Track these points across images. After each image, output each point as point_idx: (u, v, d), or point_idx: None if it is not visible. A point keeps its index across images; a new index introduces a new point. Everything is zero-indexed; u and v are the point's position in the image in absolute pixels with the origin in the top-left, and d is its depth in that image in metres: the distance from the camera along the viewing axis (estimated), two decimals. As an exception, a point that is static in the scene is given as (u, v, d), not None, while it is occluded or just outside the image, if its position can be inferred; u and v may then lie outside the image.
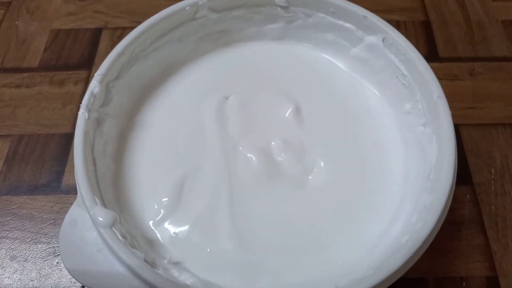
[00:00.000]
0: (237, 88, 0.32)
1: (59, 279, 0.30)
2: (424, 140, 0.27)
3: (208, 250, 0.26)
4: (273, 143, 0.30)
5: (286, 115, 0.31)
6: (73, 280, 0.30)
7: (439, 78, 0.38)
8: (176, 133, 0.30)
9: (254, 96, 0.32)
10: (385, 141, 0.29)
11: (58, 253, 0.31)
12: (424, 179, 0.26)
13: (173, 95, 0.32)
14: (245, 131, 0.30)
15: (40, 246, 0.31)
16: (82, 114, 0.27)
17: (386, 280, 0.21)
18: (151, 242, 0.26)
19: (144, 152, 0.29)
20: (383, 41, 0.30)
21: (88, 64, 0.40)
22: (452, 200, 0.32)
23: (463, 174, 0.33)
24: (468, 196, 0.32)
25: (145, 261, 0.22)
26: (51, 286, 0.30)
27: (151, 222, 0.27)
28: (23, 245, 0.31)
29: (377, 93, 0.32)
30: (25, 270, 0.30)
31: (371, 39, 0.31)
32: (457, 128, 0.35)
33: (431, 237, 0.23)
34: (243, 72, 0.33)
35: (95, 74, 0.28)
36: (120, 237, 0.23)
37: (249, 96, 0.32)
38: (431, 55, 0.40)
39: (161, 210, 0.27)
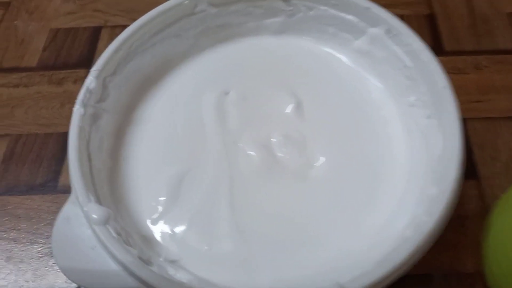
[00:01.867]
0: (237, 83, 0.31)
1: (54, 279, 0.29)
2: (429, 132, 0.26)
3: (206, 247, 0.25)
4: (273, 139, 0.29)
5: (287, 110, 0.30)
6: (69, 280, 0.29)
7: (444, 72, 0.38)
8: (174, 128, 0.29)
9: (255, 91, 0.31)
10: (388, 133, 0.29)
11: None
12: (429, 172, 0.25)
13: (171, 90, 0.31)
14: (245, 126, 0.30)
15: (36, 246, 0.31)
16: (77, 109, 0.26)
17: (389, 275, 0.20)
18: (147, 240, 0.25)
19: (142, 148, 0.29)
20: (386, 32, 0.29)
21: (87, 62, 0.39)
22: (458, 194, 0.31)
23: (468, 168, 0.32)
24: (473, 190, 0.31)
25: (140, 258, 0.22)
26: (46, 287, 0.29)
27: (148, 219, 0.26)
28: (19, 246, 0.31)
29: (380, 85, 0.31)
30: (20, 271, 0.30)
31: (374, 31, 0.30)
32: (462, 121, 0.35)
33: (438, 231, 0.22)
34: (243, 67, 0.32)
35: (91, 70, 0.28)
36: (114, 234, 0.22)
37: (249, 91, 0.31)
38: (435, 49, 0.38)
39: (159, 207, 0.26)
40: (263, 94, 0.31)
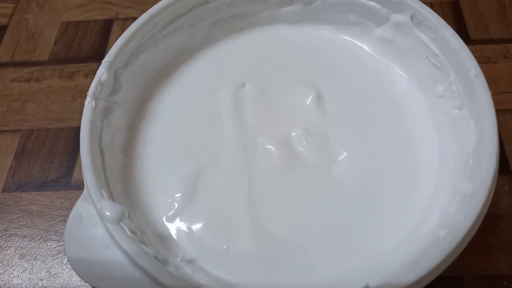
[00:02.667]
0: (254, 75, 0.30)
1: (69, 278, 0.29)
2: (459, 124, 0.25)
3: (225, 247, 0.24)
4: (293, 133, 0.28)
5: (307, 102, 0.29)
6: (84, 280, 0.29)
7: (471, 61, 0.36)
8: (189, 123, 0.28)
9: (272, 83, 0.30)
10: (415, 127, 0.27)
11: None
12: (461, 167, 0.23)
13: (185, 83, 0.30)
14: (263, 120, 0.28)
15: (50, 244, 0.30)
16: (88, 102, 0.25)
17: (423, 278, 0.19)
18: (163, 239, 0.24)
19: (156, 143, 0.28)
20: (411, 18, 0.27)
21: (98, 56, 0.39)
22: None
23: (501, 163, 0.30)
24: (506, 186, 0.30)
25: (156, 258, 0.21)
26: (61, 286, 0.28)
27: (163, 217, 0.25)
28: (32, 243, 0.30)
29: (405, 76, 0.29)
30: (34, 269, 0.29)
31: (397, 17, 0.28)
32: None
33: (473, 231, 0.20)
34: (260, 58, 0.31)
35: (103, 61, 0.27)
36: (129, 232, 0.21)
37: (267, 83, 0.30)
38: (461, 37, 0.37)
39: (175, 204, 0.25)
40: (280, 86, 0.30)
